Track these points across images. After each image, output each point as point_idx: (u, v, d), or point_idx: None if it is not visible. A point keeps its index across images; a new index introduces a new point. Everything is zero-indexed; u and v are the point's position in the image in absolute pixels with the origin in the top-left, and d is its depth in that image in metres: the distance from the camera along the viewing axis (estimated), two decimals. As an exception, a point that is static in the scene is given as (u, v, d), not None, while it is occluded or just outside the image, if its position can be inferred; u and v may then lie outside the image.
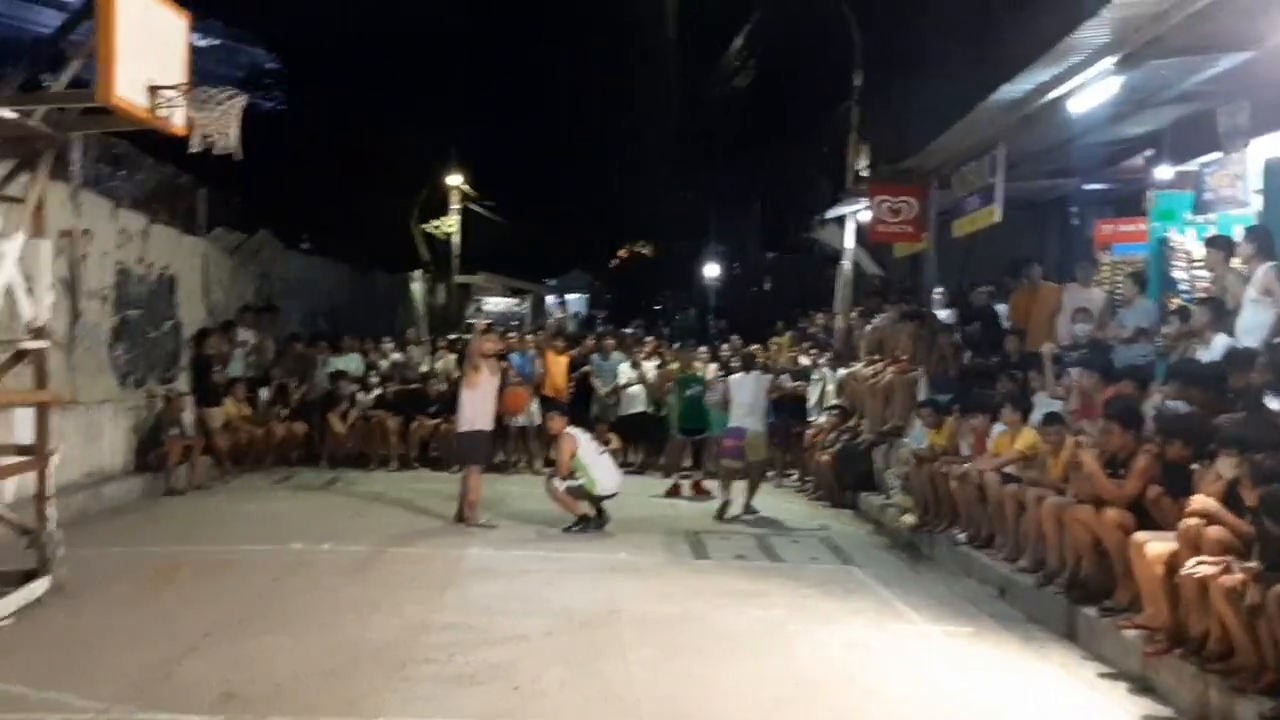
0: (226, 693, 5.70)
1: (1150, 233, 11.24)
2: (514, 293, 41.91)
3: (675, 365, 14.09)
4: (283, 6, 30.55)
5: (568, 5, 34.09)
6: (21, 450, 8.10)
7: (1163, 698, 6.05)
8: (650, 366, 15.94)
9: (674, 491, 13.53)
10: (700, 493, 13.57)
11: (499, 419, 12.73)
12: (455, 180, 33.85)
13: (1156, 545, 6.33)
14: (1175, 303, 10.38)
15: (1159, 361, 9.71)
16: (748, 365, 12.95)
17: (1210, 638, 5.78)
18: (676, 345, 15.28)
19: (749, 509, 12.24)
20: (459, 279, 35.09)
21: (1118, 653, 6.65)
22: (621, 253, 54.06)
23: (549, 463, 13.38)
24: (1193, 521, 6.02)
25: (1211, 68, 8.72)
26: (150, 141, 12.95)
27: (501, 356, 14.01)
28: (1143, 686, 6.25)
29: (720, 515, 11.98)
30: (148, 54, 7.02)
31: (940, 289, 13.96)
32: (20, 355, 7.81)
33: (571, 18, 34.27)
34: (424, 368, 16.44)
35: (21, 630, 6.80)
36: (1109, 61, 8.21)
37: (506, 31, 35.03)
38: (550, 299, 48.63)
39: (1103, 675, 6.55)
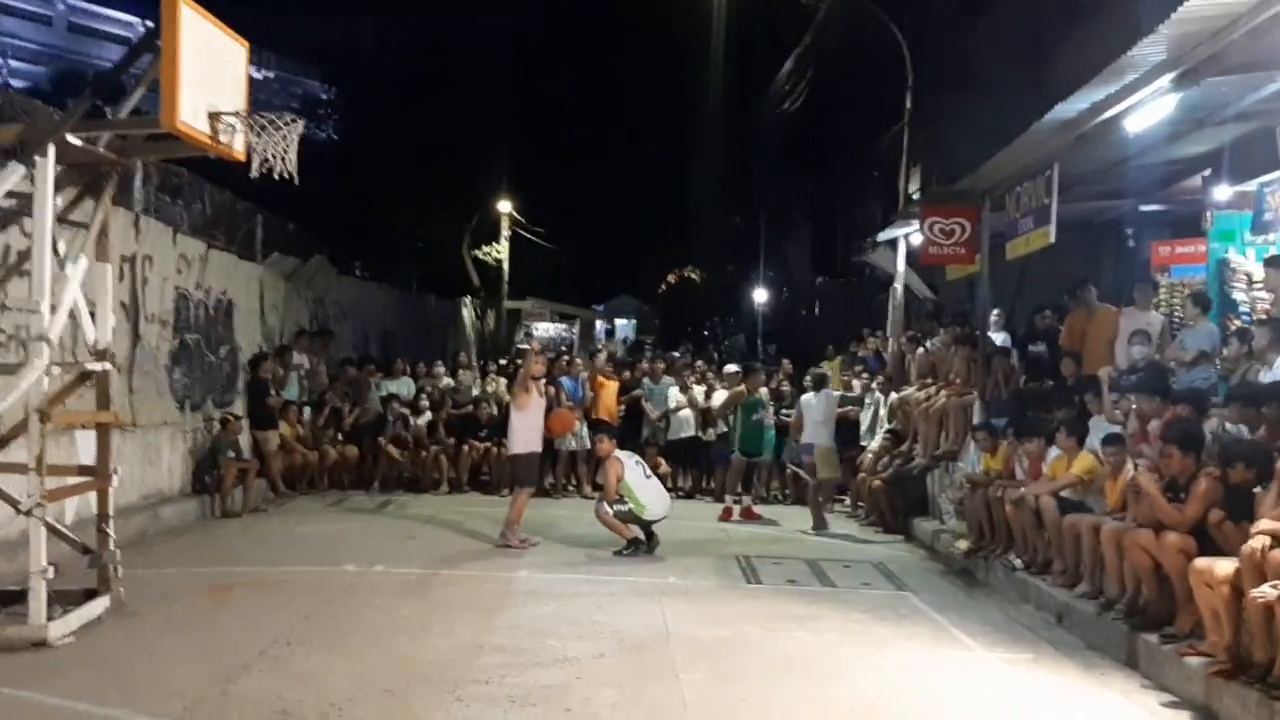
0: (281, 710, 5.73)
1: (1209, 254, 11.07)
2: (562, 318, 42.16)
3: (741, 388, 14.07)
4: (337, 38, 31.09)
5: (617, 33, 34.36)
6: (83, 470, 8.25)
7: (1227, 725, 5.91)
8: (699, 391, 15.90)
9: (726, 515, 13.47)
10: (751, 517, 13.48)
11: (547, 442, 12.83)
12: (505, 207, 34.16)
13: (1220, 569, 6.19)
14: (1236, 324, 10.21)
15: (1220, 384, 9.56)
16: (819, 385, 13.59)
17: (1276, 665, 5.64)
18: (734, 369, 15.24)
19: (819, 522, 12.89)
20: (508, 304, 35.38)
21: (1180, 680, 6.50)
22: (670, 277, 54.17)
23: (598, 487, 13.38)
24: (1257, 544, 5.87)
25: (1271, 85, 8.58)
26: (209, 169, 13.25)
27: (547, 379, 14.13)
28: (1206, 714, 6.10)
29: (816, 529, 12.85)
30: (209, 81, 7.18)
31: (997, 311, 13.83)
32: (84, 377, 7.95)
33: (621, 45, 34.54)
34: (475, 392, 16.53)
35: (82, 648, 6.90)
36: (1165, 79, 8.08)
37: (556, 60, 35.37)
38: (598, 324, 48.82)
39: (1165, 704, 6.40)
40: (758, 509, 13.69)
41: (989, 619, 8.55)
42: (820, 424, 13.28)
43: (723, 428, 14.95)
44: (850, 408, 15.09)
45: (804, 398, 13.62)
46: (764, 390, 14.31)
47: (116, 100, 7.93)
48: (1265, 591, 5.64)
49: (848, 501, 14.55)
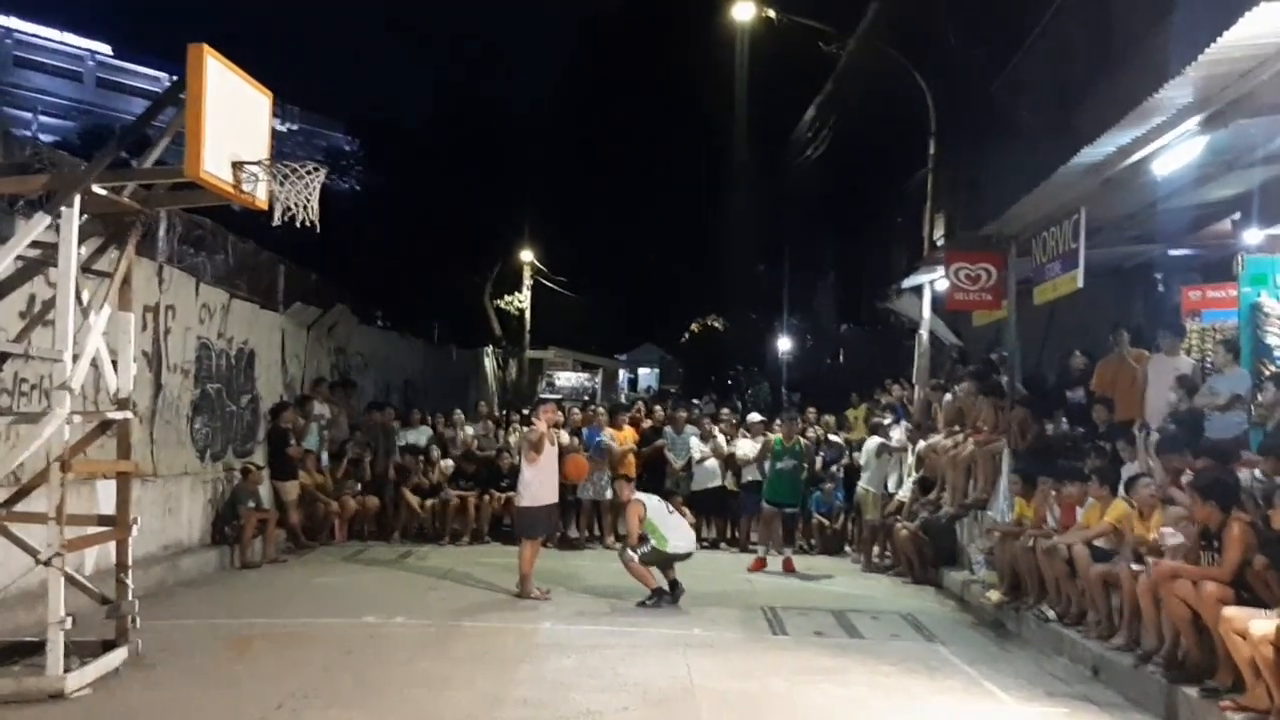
0: (298, 767, 5.62)
1: (1241, 298, 10.90)
2: (585, 367, 42.15)
3: (769, 437, 14.01)
4: (361, 90, 31.53)
5: (639, 82, 34.61)
6: (103, 520, 8.20)
7: (1276, 785, 5.70)
8: (722, 441, 15.75)
9: (758, 566, 13.28)
10: (789, 571, 13.20)
11: (570, 489, 12.73)
12: (527, 256, 34.31)
13: (1258, 627, 5.99)
14: (1270, 369, 10.03)
15: (1253, 431, 9.37)
16: (874, 431, 14.84)
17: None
18: (758, 419, 15.28)
19: (869, 562, 13.84)
20: (531, 354, 35.41)
21: (1224, 736, 6.28)
22: (694, 326, 54.11)
23: (620, 537, 13.24)
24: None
25: (1301, 126, 8.47)
26: (232, 219, 13.32)
27: (574, 430, 14.03)
28: (1253, 773, 5.89)
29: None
30: (233, 131, 7.22)
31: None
32: (105, 426, 7.92)
33: (644, 95, 34.77)
34: (497, 442, 16.46)
35: (99, 700, 6.81)
36: (1193, 121, 8.01)
37: (577, 110, 35.65)
38: (621, 373, 48.80)
39: (1209, 761, 6.19)
40: (797, 561, 13.49)
41: (1022, 672, 8.34)
42: (864, 466, 14.62)
43: (749, 477, 14.81)
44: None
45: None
46: (802, 439, 14.15)
47: (141, 151, 7.97)
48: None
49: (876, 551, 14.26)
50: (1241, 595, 6.54)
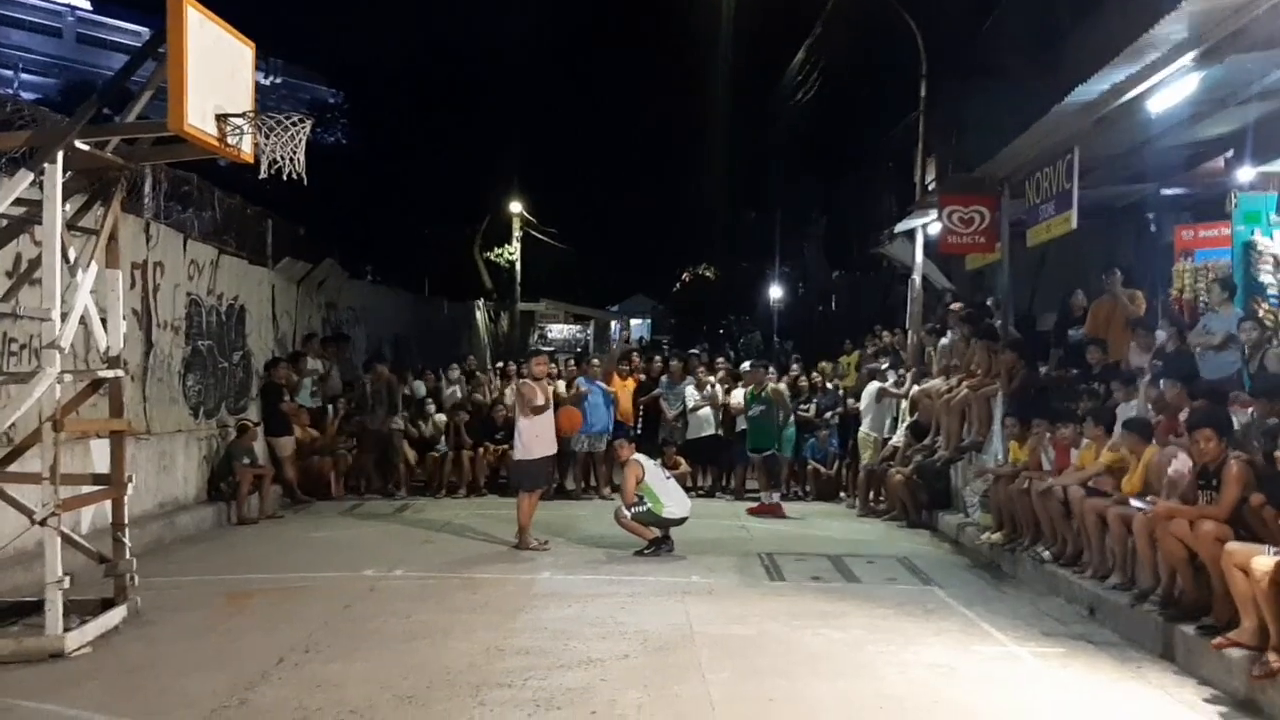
0: (301, 718, 5.64)
1: (1234, 236, 10.87)
2: (576, 319, 42.06)
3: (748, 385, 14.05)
4: (344, 41, 31.13)
5: (627, 29, 34.24)
6: (98, 479, 8.18)
7: (1271, 719, 5.74)
8: (720, 390, 15.75)
9: (756, 510, 13.37)
10: (763, 512, 13.36)
11: (565, 442, 12.73)
12: (517, 208, 34.07)
13: (1260, 563, 6.02)
14: (1264, 308, 10.02)
15: (1245, 368, 9.38)
16: (872, 376, 14.85)
17: (1323, 655, 5.48)
18: (750, 366, 15.33)
19: (865, 506, 13.86)
20: (522, 306, 35.27)
21: (1219, 672, 6.34)
22: (685, 276, 54.02)
23: (616, 488, 13.26)
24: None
25: (1297, 61, 8.39)
26: (218, 174, 13.18)
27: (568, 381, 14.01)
28: (1249, 707, 5.94)
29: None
30: (216, 83, 7.10)
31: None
32: (96, 385, 7.88)
33: (631, 41, 34.41)
34: (492, 394, 16.42)
35: (99, 658, 6.83)
36: (1188, 58, 7.90)
37: (566, 57, 35.26)
38: (613, 324, 48.71)
39: (1206, 698, 6.23)
40: (781, 504, 13.59)
41: (1019, 613, 8.39)
42: (863, 410, 14.62)
43: (743, 425, 14.86)
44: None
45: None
46: (772, 386, 14.16)
47: (124, 106, 7.85)
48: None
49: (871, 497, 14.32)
50: (1239, 533, 6.55)
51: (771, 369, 15.28)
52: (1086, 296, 12.62)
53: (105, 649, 7.00)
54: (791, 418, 14.68)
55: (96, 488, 8.08)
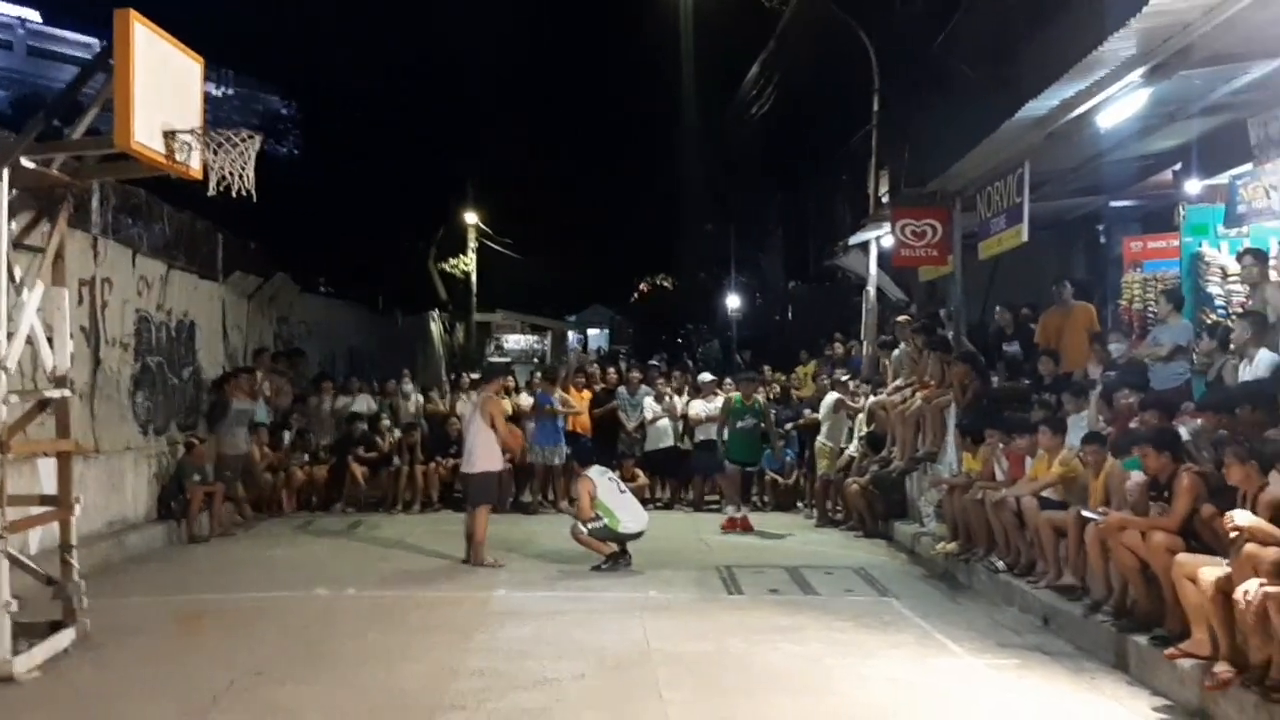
0: (253, 746, 5.56)
1: (1182, 248, 11.03)
2: (534, 329, 41.90)
3: (733, 395, 14.03)
4: (296, 53, 30.81)
5: (582, 40, 34.26)
6: (45, 500, 8.02)
7: (1223, 730, 5.81)
8: (679, 401, 15.73)
9: (730, 525, 13.26)
10: (746, 529, 13.22)
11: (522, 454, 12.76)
12: (472, 218, 33.91)
13: (1207, 573, 6.09)
14: (1211, 318, 10.17)
15: (1196, 379, 9.51)
16: (834, 386, 14.70)
17: (1273, 665, 5.53)
18: (709, 378, 15.32)
19: (823, 516, 13.86)
20: (478, 317, 35.10)
21: (1172, 683, 6.39)
22: (642, 286, 54.04)
23: (574, 501, 13.19)
24: (1251, 547, 5.75)
25: (1241, 76, 8.55)
26: (168, 189, 12.97)
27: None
28: (1202, 718, 6.00)
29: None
30: (164, 99, 6.99)
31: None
32: (43, 405, 7.73)
33: (586, 53, 34.42)
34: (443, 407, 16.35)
35: (48, 682, 6.68)
36: (1136, 74, 8.04)
37: (521, 68, 35.19)
38: (571, 335, 48.61)
39: (1158, 708, 6.28)
40: (753, 519, 13.51)
41: (974, 624, 8.43)
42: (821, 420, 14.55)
43: (702, 436, 14.82)
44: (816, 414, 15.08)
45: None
46: (759, 398, 14.15)
47: (72, 121, 7.72)
48: (1257, 592, 5.52)
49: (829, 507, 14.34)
50: (1190, 544, 6.63)
51: (757, 380, 15.26)
52: (1032, 309, 12.78)
53: (55, 673, 6.85)
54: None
55: (44, 509, 7.91)
